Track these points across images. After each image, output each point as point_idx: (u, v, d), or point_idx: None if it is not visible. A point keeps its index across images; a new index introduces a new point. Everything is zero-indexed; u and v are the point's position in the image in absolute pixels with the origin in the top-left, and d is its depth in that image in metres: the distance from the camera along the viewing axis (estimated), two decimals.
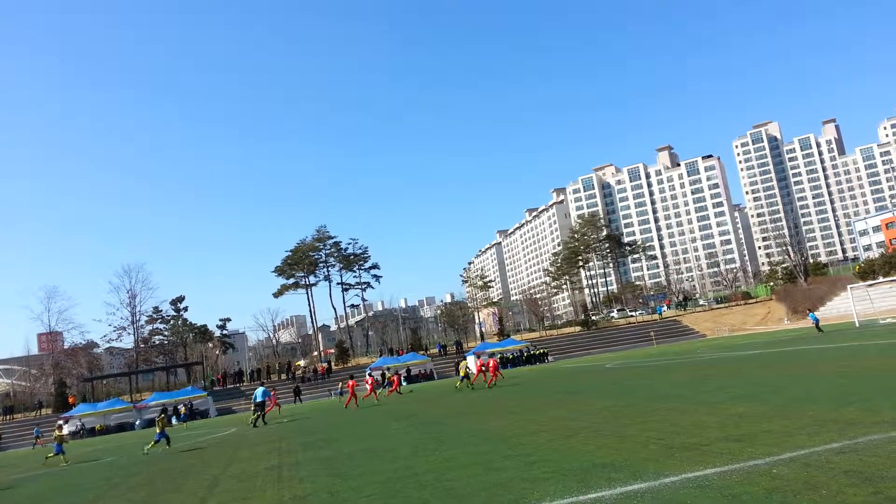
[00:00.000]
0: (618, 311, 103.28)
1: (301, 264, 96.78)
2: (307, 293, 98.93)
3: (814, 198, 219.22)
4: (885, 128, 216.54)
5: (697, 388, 19.88)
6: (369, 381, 42.82)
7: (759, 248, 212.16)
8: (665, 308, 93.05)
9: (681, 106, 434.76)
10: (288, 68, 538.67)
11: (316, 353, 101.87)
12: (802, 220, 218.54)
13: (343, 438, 20.65)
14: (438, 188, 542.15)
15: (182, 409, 56.63)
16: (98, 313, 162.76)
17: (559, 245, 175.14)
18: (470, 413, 22.83)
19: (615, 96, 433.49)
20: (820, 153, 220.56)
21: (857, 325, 46.42)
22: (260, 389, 34.85)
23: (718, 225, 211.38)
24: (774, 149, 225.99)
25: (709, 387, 19.89)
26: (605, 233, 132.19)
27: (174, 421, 57.75)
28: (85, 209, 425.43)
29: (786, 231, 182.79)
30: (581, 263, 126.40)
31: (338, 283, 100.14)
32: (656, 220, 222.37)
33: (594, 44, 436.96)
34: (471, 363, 50.49)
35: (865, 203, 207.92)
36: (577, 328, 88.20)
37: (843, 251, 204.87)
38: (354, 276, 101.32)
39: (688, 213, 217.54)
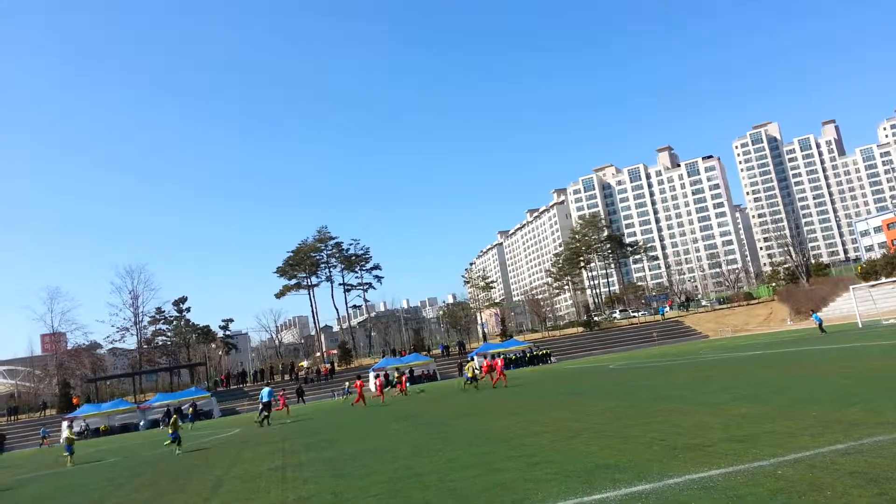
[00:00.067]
0: (620, 311, 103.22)
1: (303, 265, 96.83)
2: (309, 294, 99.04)
3: (814, 198, 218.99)
4: (884, 128, 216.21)
5: (700, 389, 19.88)
6: (377, 382, 42.97)
7: (761, 248, 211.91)
8: (667, 309, 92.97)
9: (681, 106, 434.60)
10: (288, 68, 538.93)
11: (319, 354, 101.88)
12: (803, 220, 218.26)
13: (346, 439, 20.68)
14: (439, 188, 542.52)
15: (189, 409, 56.60)
16: (101, 314, 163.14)
17: (560, 245, 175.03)
18: (473, 414, 22.85)
19: (615, 96, 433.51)
20: (820, 154, 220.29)
21: (860, 325, 46.37)
22: (266, 390, 34.98)
23: (719, 225, 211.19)
24: (774, 149, 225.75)
25: (712, 388, 19.89)
26: (606, 233, 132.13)
27: (179, 422, 57.86)
28: (85, 209, 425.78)
29: (787, 231, 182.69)
30: (583, 264, 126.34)
31: (340, 284, 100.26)
32: (657, 221, 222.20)
33: (594, 44, 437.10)
34: (477, 364, 50.57)
35: (866, 203, 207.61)
36: (580, 329, 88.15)
37: (845, 251, 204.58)
38: (356, 277, 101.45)
39: (689, 213, 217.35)
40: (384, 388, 43.15)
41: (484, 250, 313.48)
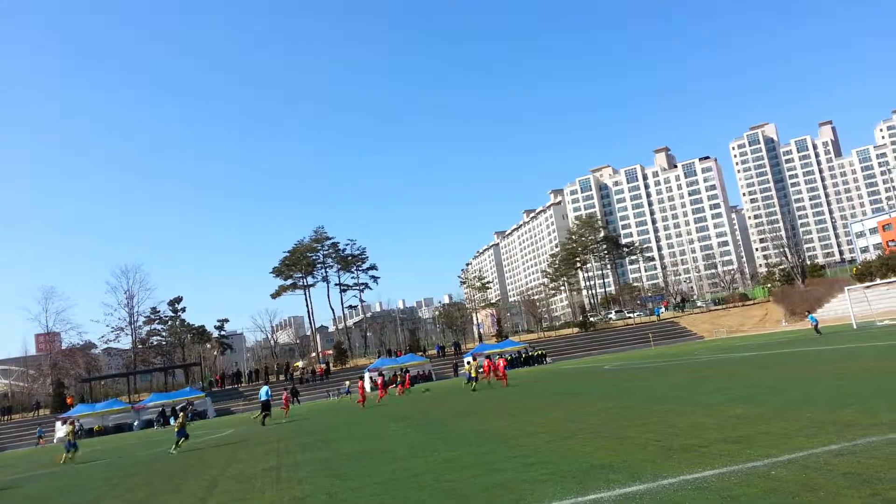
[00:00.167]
0: (616, 312, 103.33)
1: (299, 265, 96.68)
2: (305, 294, 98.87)
3: (810, 199, 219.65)
4: (881, 130, 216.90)
5: (695, 390, 19.92)
6: (378, 382, 43.04)
7: (757, 249, 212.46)
8: (663, 309, 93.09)
9: (678, 107, 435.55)
10: (288, 68, 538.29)
11: (314, 355, 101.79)
12: (799, 221, 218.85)
13: (342, 439, 20.67)
14: (436, 189, 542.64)
15: (189, 409, 56.55)
16: (96, 314, 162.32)
17: (557, 246, 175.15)
18: (469, 414, 22.86)
19: (613, 97, 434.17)
20: (816, 155, 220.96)
21: (855, 326, 46.50)
22: (264, 388, 35.09)
23: (716, 226, 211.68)
24: (771, 150, 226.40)
25: (707, 388, 19.93)
26: (602, 234, 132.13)
27: (172, 422, 57.79)
28: (82, 209, 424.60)
29: (783, 233, 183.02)
30: (579, 265, 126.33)
31: (336, 284, 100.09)
32: (654, 222, 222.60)
33: (593, 44, 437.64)
34: (477, 364, 50.53)
35: (862, 205, 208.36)
36: (576, 329, 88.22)
37: (840, 253, 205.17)
38: (352, 277, 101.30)
39: (685, 214, 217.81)
40: (385, 388, 43.15)
41: (480, 251, 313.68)
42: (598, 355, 66.46)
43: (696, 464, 9.14)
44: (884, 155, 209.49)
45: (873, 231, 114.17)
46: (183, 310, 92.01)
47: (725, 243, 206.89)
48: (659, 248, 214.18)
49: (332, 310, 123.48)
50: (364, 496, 10.43)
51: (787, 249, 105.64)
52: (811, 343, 35.75)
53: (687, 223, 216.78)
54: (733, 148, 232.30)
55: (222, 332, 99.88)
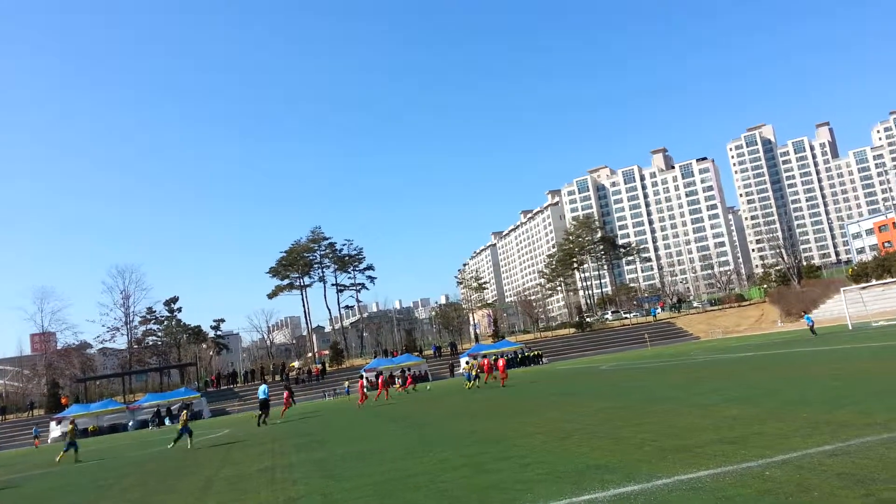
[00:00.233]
0: (612, 312, 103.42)
1: (296, 265, 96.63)
2: (302, 294, 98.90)
3: (807, 200, 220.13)
4: (878, 131, 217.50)
5: (691, 391, 19.92)
6: (379, 381, 43.09)
7: (753, 250, 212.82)
8: (659, 310, 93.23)
9: (675, 108, 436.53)
10: (288, 68, 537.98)
11: (310, 355, 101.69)
12: (796, 222, 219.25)
13: (337, 440, 20.63)
14: (433, 189, 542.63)
15: (184, 411, 56.44)
16: (92, 314, 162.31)
17: (554, 247, 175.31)
18: (464, 414, 22.84)
19: (610, 99, 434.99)
20: (813, 156, 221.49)
21: (850, 327, 46.58)
22: (262, 387, 35.08)
23: (712, 227, 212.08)
24: (768, 151, 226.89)
25: (702, 389, 19.94)
26: (599, 235, 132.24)
27: (167, 422, 57.68)
28: (79, 209, 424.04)
29: (779, 233, 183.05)
30: (575, 265, 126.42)
31: (332, 285, 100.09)
32: (650, 223, 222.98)
33: (592, 44, 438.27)
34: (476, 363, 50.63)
35: (858, 206, 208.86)
36: (572, 330, 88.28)
37: (837, 254, 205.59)
38: (349, 278, 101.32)
39: (682, 215, 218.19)
40: (386, 387, 43.14)
41: (477, 251, 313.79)
42: (595, 356, 66.51)
43: (691, 464, 9.12)
44: (881, 156, 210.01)
45: (869, 232, 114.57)
46: (179, 310, 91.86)
47: (722, 244, 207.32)
48: (656, 249, 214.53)
49: (329, 310, 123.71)
50: (358, 497, 10.39)
51: (783, 250, 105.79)
52: (807, 344, 35.80)
53: (684, 224, 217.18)
54: (730, 149, 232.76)
55: (218, 333, 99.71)
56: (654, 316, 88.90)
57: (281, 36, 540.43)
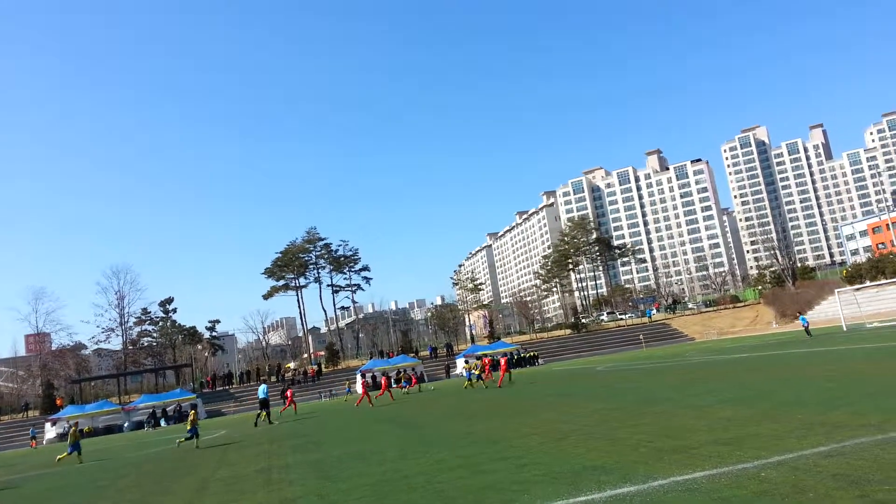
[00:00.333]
0: (607, 314, 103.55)
1: (291, 266, 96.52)
2: (297, 295, 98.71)
3: (801, 202, 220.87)
4: (871, 133, 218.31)
5: (686, 392, 19.98)
6: (384, 381, 43.12)
7: (748, 251, 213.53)
8: (654, 311, 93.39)
9: (670, 110, 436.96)
10: (288, 68, 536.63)
11: (306, 356, 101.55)
12: (790, 224, 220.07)
13: (333, 441, 20.62)
14: (428, 190, 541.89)
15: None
16: (86, 314, 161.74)
17: (549, 248, 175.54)
18: (460, 415, 22.86)
19: (604, 100, 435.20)
20: (807, 158, 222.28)
21: (845, 328, 46.75)
22: (262, 387, 35.08)
23: (707, 228, 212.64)
24: (762, 153, 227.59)
25: (698, 390, 20.00)
26: (594, 236, 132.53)
27: (163, 423, 57.59)
28: (76, 209, 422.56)
29: (774, 235, 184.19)
30: (571, 266, 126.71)
31: (328, 285, 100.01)
32: (645, 224, 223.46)
33: (588, 45, 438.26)
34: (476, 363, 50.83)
35: (852, 207, 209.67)
36: (567, 331, 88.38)
37: (831, 255, 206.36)
38: (345, 278, 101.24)
39: (677, 216, 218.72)
40: (389, 388, 43.24)
41: (473, 252, 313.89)
42: (590, 357, 66.61)
43: (687, 465, 9.16)
44: (874, 158, 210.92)
45: (863, 234, 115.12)
46: (174, 311, 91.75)
47: (717, 245, 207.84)
48: (651, 250, 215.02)
49: (325, 311, 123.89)
50: (354, 498, 10.40)
51: (777, 252, 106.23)
52: (801, 345, 35.93)
53: (678, 225, 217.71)
54: (725, 150, 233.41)
55: (213, 334, 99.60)
56: (650, 317, 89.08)
57: (281, 36, 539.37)
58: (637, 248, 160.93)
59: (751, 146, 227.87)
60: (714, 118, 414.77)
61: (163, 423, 57.84)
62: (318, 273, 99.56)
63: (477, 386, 38.64)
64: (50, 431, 56.77)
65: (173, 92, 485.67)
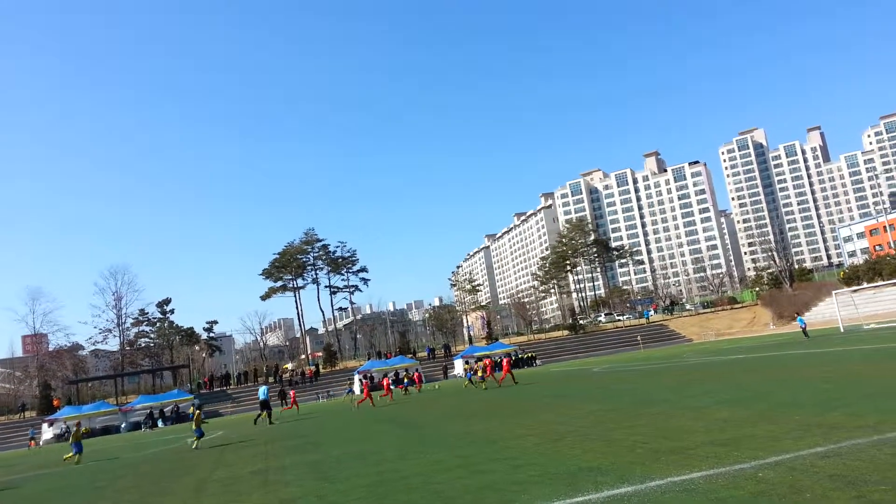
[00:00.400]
0: (605, 315, 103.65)
1: (289, 267, 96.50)
2: (295, 296, 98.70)
3: (799, 204, 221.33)
4: (868, 136, 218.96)
5: (683, 393, 20.00)
6: (386, 382, 43.17)
7: (745, 253, 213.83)
8: (652, 312, 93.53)
9: (668, 112, 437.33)
10: (287, 68, 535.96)
11: (303, 357, 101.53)
12: (787, 226, 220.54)
13: (330, 441, 20.62)
14: (427, 191, 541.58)
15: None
16: (83, 315, 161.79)
17: (547, 249, 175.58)
18: (457, 416, 22.86)
19: (603, 101, 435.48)
20: (805, 160, 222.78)
21: (842, 330, 46.83)
22: (263, 388, 35.08)
23: (705, 230, 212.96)
24: (760, 155, 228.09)
25: (695, 391, 20.01)
26: (592, 237, 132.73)
27: (161, 424, 57.52)
28: (77, 209, 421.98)
29: (771, 237, 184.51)
30: (569, 268, 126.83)
31: (326, 286, 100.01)
32: (643, 226, 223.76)
33: (588, 46, 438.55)
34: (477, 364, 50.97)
35: (850, 210, 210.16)
36: (565, 332, 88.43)
37: (828, 257, 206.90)
38: (342, 279, 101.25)
39: (674, 218, 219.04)
40: (392, 388, 43.29)
41: (471, 253, 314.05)
42: (588, 358, 66.63)
43: (684, 466, 9.17)
44: (871, 160, 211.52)
45: (860, 235, 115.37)
46: (171, 311, 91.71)
47: (714, 247, 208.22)
48: (648, 252, 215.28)
49: (322, 312, 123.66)
50: (352, 499, 10.40)
51: (775, 253, 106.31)
52: (799, 346, 35.98)
53: (676, 227, 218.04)
54: (723, 153, 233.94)
55: (211, 334, 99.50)
56: (647, 318, 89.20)
57: (280, 35, 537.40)
58: (635, 249, 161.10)
59: (748, 148, 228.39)
60: (712, 120, 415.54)
61: (160, 423, 57.76)
62: (316, 274, 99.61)
63: (479, 386, 38.68)
64: (47, 432, 56.67)
65: (173, 92, 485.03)
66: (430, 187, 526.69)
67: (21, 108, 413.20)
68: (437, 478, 11.02)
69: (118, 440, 45.47)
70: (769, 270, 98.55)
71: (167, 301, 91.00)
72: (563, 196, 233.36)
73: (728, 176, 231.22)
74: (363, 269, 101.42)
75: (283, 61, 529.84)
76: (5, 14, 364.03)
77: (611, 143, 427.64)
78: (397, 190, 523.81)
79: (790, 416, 12.36)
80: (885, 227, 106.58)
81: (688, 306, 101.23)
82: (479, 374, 39.24)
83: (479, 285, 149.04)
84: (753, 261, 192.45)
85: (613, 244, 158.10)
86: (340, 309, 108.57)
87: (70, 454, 27.35)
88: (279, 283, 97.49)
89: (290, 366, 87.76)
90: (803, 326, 47.29)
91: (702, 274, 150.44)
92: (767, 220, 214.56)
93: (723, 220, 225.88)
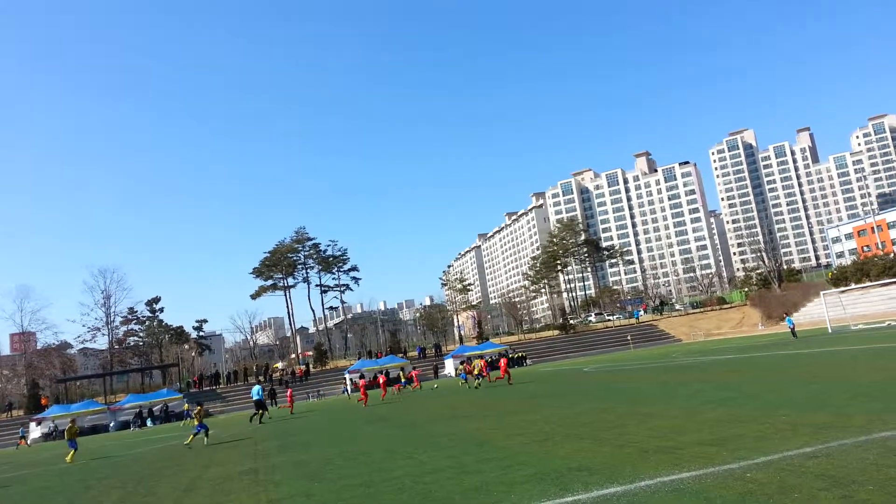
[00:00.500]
0: (595, 315, 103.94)
1: (279, 266, 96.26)
2: (285, 295, 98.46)
3: (788, 205, 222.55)
4: (857, 137, 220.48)
5: (673, 393, 20.08)
6: (380, 381, 43.17)
7: (735, 253, 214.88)
8: (642, 312, 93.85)
9: (658, 112, 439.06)
10: (274, 70, 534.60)
11: (294, 356, 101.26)
12: (776, 226, 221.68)
13: (321, 441, 20.58)
14: (418, 190, 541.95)
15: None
16: (72, 313, 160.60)
17: (538, 249, 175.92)
18: (447, 416, 22.86)
19: (594, 102, 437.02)
20: (794, 161, 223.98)
21: (830, 331, 47.14)
22: (256, 388, 34.99)
23: (694, 231, 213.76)
24: (750, 156, 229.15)
25: (684, 391, 20.10)
26: (583, 237, 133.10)
27: (149, 423, 57.22)
28: (65, 208, 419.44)
29: (760, 237, 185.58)
30: (560, 267, 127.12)
31: (316, 285, 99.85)
32: (634, 226, 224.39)
33: (578, 49, 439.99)
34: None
35: (838, 210, 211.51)
36: (556, 332, 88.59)
37: (817, 258, 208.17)
38: (333, 279, 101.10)
39: (664, 218, 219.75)
40: (388, 387, 43.27)
41: (462, 253, 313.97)
42: (578, 358, 66.76)
43: (673, 466, 9.20)
44: (860, 162, 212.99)
45: (849, 236, 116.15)
46: (161, 310, 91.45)
47: (704, 247, 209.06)
48: (639, 252, 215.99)
49: (313, 311, 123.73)
50: (342, 499, 10.38)
51: (764, 254, 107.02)
52: (787, 347, 36.19)
53: (666, 227, 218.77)
54: (713, 153, 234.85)
55: (201, 333, 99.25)
56: (637, 318, 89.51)
57: (265, 38, 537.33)
58: (625, 249, 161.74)
59: (738, 149, 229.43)
60: (702, 121, 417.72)
61: (149, 423, 57.46)
62: (307, 273, 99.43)
63: (472, 384, 38.80)
64: (35, 431, 56.24)
65: (163, 93, 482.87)
66: (421, 187, 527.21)
67: (21, 109, 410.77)
68: (427, 478, 11.01)
69: (107, 439, 45.20)
70: (758, 271, 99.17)
71: (156, 300, 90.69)
72: (555, 196, 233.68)
73: (718, 176, 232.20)
74: (354, 268, 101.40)
75: (269, 63, 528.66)
76: (5, 14, 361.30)
77: (602, 143, 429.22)
78: (387, 190, 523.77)
79: (779, 417, 12.43)
80: (872, 227, 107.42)
81: (677, 306, 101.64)
82: (477, 371, 39.32)
83: (469, 285, 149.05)
84: (743, 261, 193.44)
85: (604, 244, 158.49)
86: (331, 308, 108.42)
87: (70, 453, 27.21)
88: (270, 282, 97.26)
89: (280, 365, 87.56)
90: (792, 327, 47.55)
91: (691, 274, 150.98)
92: (757, 221, 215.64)
93: (712, 220, 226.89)
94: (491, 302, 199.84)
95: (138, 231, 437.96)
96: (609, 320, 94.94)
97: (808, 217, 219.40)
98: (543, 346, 78.30)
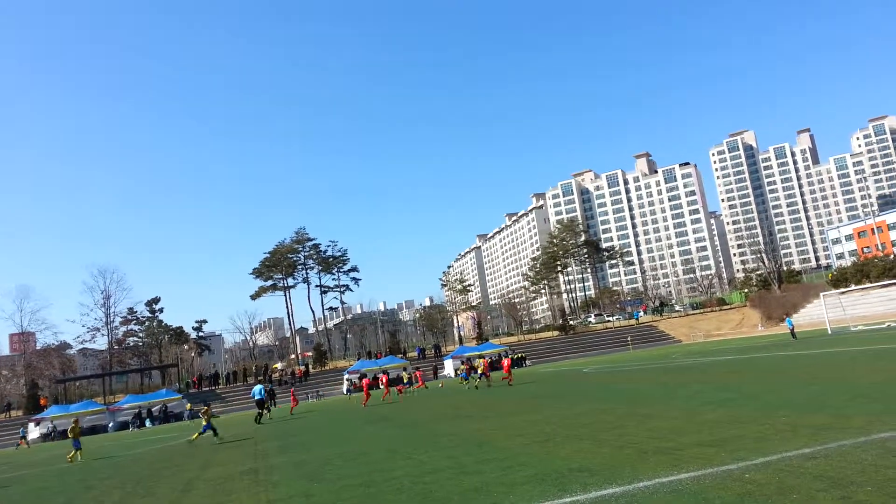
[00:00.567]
0: (595, 315, 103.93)
1: (279, 266, 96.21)
2: (285, 295, 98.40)
3: (788, 206, 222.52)
4: (857, 138, 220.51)
5: (672, 394, 20.08)
6: (384, 381, 43.16)
7: (735, 254, 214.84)
8: (642, 313, 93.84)
9: (659, 113, 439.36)
10: (275, 70, 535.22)
11: (293, 356, 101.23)
12: (777, 227, 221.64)
13: (320, 442, 20.57)
14: (418, 191, 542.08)
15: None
16: (72, 314, 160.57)
17: (538, 250, 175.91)
18: (447, 416, 22.86)
19: (594, 103, 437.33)
20: (794, 162, 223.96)
21: (830, 332, 47.14)
22: (257, 387, 35.03)
23: (695, 231, 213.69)
24: (750, 157, 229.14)
25: (683, 392, 20.10)
26: (583, 238, 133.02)
27: (148, 423, 57.18)
28: (64, 209, 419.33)
29: (760, 238, 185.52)
30: (559, 268, 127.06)
31: (316, 286, 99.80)
32: (634, 227, 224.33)
33: (578, 49, 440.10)
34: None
35: (838, 212, 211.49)
36: (555, 333, 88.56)
37: (817, 259, 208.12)
38: (333, 279, 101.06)
39: (665, 219, 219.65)
40: (391, 387, 43.31)
41: (462, 253, 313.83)
42: (578, 359, 66.72)
43: (672, 466, 9.21)
44: (860, 163, 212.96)
45: (849, 238, 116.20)
46: (160, 310, 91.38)
47: (704, 248, 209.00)
48: (639, 253, 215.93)
49: (313, 311, 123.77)
50: (341, 499, 10.38)
51: (764, 255, 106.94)
52: (787, 348, 36.19)
53: (666, 228, 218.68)
54: (713, 154, 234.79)
55: (200, 334, 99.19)
56: (637, 319, 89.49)
57: (265, 38, 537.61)
58: (625, 250, 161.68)
59: (739, 150, 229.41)
60: (702, 122, 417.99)
61: (148, 423, 57.42)
62: (307, 273, 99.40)
63: (472, 385, 38.84)
64: (34, 431, 56.18)
65: (164, 93, 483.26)
66: (421, 187, 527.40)
67: (21, 110, 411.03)
68: (427, 478, 11.01)
69: (106, 439, 45.17)
70: (758, 272, 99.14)
71: (156, 300, 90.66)
72: (555, 197, 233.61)
73: (718, 177, 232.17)
74: (354, 269, 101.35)
75: (269, 63, 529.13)
76: (5, 14, 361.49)
77: (602, 143, 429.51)
78: (388, 190, 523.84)
79: (778, 418, 12.44)
80: (872, 229, 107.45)
81: (677, 307, 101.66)
82: (480, 370, 39.36)
83: (469, 285, 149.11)
84: (743, 262, 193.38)
85: (604, 245, 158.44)
86: (331, 309, 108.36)
87: (72, 452, 27.20)
88: (269, 283, 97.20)
89: (279, 365, 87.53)
90: (791, 328, 47.56)
91: (691, 275, 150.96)
92: (757, 222, 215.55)
93: (712, 221, 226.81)
94: (491, 303, 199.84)
95: (138, 231, 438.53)
96: (609, 321, 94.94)
97: (808, 218, 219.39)
98: (543, 347, 78.26)
